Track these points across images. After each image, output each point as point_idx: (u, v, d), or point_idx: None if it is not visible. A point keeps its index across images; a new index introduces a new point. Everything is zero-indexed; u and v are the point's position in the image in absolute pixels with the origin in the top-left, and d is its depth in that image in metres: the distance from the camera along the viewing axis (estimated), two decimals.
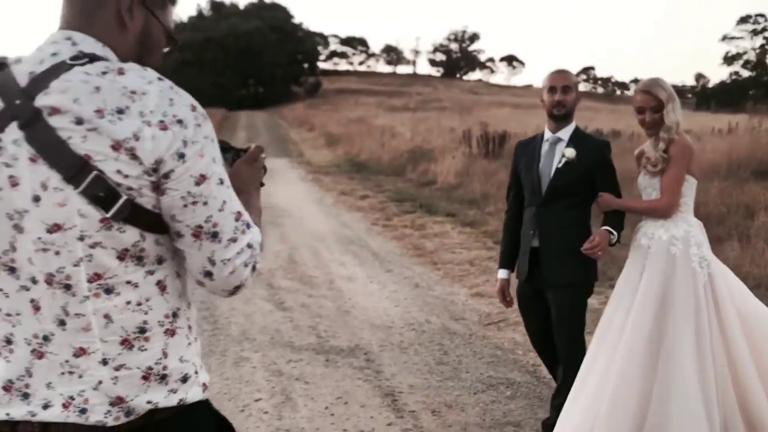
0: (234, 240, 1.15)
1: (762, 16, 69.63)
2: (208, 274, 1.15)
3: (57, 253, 1.05)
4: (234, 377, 3.99)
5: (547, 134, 3.16)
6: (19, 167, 1.05)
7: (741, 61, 70.22)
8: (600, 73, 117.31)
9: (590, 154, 3.07)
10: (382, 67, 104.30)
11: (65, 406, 1.08)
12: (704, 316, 2.77)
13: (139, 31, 1.20)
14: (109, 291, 1.08)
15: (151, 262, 1.12)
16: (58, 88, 1.06)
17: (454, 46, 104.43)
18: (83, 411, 1.09)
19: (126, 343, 1.09)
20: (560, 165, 3.05)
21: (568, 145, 3.08)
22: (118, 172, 1.04)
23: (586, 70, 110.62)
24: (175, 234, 1.12)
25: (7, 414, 1.09)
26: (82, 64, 1.09)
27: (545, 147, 3.15)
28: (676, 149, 2.89)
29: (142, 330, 1.11)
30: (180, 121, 1.09)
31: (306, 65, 71.84)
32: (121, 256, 1.08)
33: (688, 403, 2.68)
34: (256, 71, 62.57)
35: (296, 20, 73.99)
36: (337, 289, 5.92)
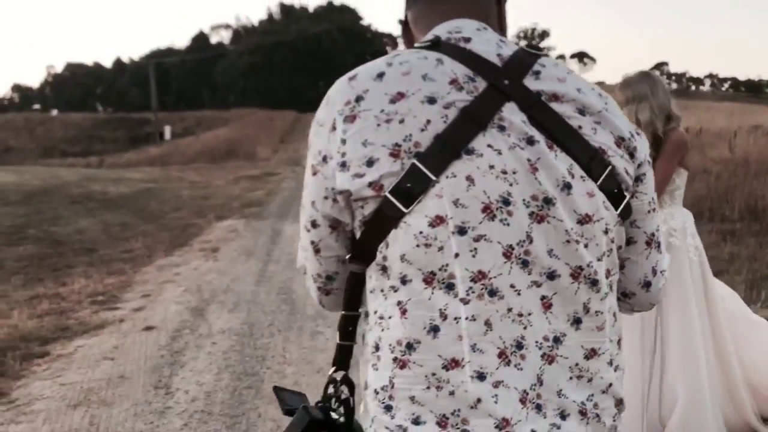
0: (666, 251, 1.14)
1: None
2: (647, 285, 1.11)
3: (586, 246, 0.97)
4: (310, 346, 4.61)
5: None
6: (539, 150, 0.96)
7: None
8: (674, 68, 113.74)
9: None
10: None
11: (582, 413, 0.98)
12: (693, 304, 2.96)
13: (504, 35, 1.14)
14: (611, 287, 1.02)
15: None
16: (553, 75, 1.02)
17: (523, 44, 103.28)
18: (598, 417, 1.00)
19: (619, 343, 1.05)
20: None
21: None
22: (625, 170, 1.01)
23: (660, 66, 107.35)
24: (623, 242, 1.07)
25: (533, 431, 0.96)
26: (545, 56, 1.07)
27: None
28: (667, 144, 2.93)
29: (621, 330, 1.07)
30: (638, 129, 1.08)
31: None
32: (609, 252, 1.02)
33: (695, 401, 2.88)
34: (326, 73, 63.62)
35: (365, 22, 74.78)
36: None
